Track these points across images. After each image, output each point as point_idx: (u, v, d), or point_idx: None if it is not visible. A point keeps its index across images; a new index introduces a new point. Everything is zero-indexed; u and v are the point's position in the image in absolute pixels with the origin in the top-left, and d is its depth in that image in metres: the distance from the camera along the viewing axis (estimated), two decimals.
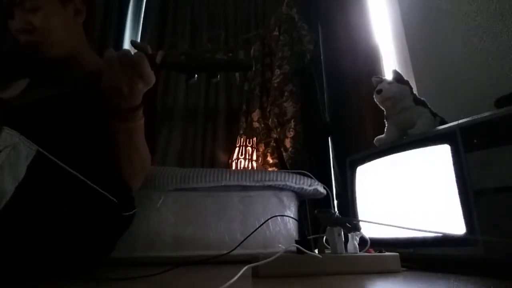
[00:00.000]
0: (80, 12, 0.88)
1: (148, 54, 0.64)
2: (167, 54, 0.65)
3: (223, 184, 1.14)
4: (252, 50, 2.01)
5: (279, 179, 1.18)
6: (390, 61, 1.67)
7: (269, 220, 1.10)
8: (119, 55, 0.62)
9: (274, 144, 1.83)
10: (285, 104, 1.85)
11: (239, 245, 0.85)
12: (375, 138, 1.00)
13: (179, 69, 0.65)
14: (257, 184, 1.17)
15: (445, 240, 0.68)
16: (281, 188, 1.20)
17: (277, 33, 2.01)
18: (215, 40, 0.62)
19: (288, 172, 1.22)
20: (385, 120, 1.00)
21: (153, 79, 0.65)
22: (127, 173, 0.78)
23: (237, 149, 1.84)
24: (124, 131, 0.72)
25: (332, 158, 1.75)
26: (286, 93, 1.87)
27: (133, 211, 0.83)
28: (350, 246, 0.73)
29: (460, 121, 0.70)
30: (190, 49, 0.65)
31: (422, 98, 0.95)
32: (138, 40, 2.05)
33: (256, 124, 1.90)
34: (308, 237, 0.70)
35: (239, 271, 0.49)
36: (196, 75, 0.65)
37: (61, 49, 0.82)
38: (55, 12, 0.81)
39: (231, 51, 0.64)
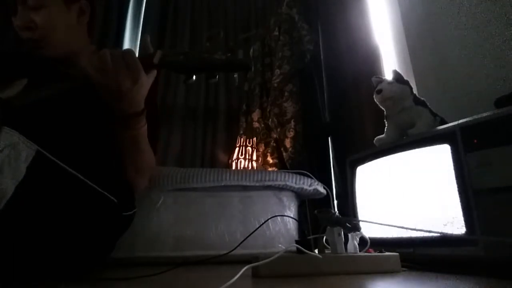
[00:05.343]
0: (84, 12, 0.88)
1: (146, 53, 0.64)
2: (165, 54, 0.65)
3: (223, 184, 1.14)
4: (251, 50, 2.02)
5: (279, 179, 1.18)
6: (390, 61, 1.67)
7: (269, 220, 1.10)
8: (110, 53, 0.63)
9: (274, 144, 1.83)
10: (285, 104, 1.85)
11: (239, 245, 0.85)
12: (375, 138, 1.00)
13: (177, 69, 0.65)
14: (257, 184, 1.17)
15: (445, 240, 0.68)
16: (281, 188, 1.20)
17: (277, 33, 2.01)
18: (214, 39, 0.61)
19: (288, 172, 1.22)
20: (385, 120, 1.00)
21: (142, 75, 0.65)
22: (133, 174, 0.80)
23: (237, 149, 1.84)
24: (129, 139, 0.74)
25: (332, 158, 1.75)
26: (286, 93, 1.87)
27: (133, 211, 0.83)
28: (350, 246, 0.73)
29: (460, 121, 0.70)
30: (188, 49, 0.65)
31: (422, 98, 0.95)
32: (138, 41, 2.06)
33: (256, 124, 1.90)
34: (308, 237, 0.70)
35: (239, 271, 0.49)
36: (194, 76, 0.64)
37: (61, 49, 0.83)
38: (59, 12, 0.82)
39: (230, 50, 0.63)
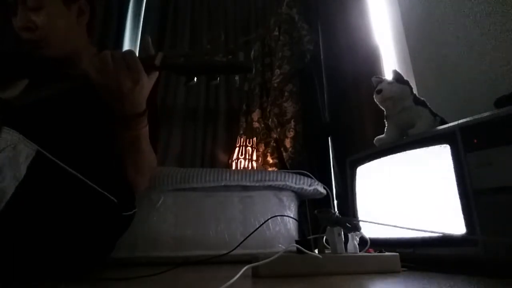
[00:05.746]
0: (84, 13, 0.88)
1: (147, 55, 0.64)
2: (166, 56, 0.65)
3: (223, 184, 1.14)
4: (252, 52, 2.02)
5: (279, 179, 1.18)
6: (390, 61, 1.67)
7: (269, 220, 1.10)
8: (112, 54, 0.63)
9: (274, 144, 1.83)
10: (285, 104, 1.85)
11: (239, 245, 0.85)
12: (375, 138, 1.00)
13: (178, 71, 0.65)
14: (257, 184, 1.17)
15: (445, 240, 0.68)
16: (281, 188, 1.20)
17: (277, 33, 2.01)
18: (215, 41, 0.61)
19: (288, 172, 1.22)
20: (385, 120, 1.00)
21: (143, 76, 0.65)
22: (134, 174, 0.80)
23: (237, 149, 1.84)
24: (130, 139, 0.74)
25: (332, 158, 1.75)
26: (286, 93, 1.87)
27: (133, 211, 0.83)
28: (350, 246, 0.73)
29: (460, 121, 0.70)
30: (189, 51, 0.65)
31: (422, 98, 0.95)
32: (138, 41, 2.06)
33: (256, 124, 1.90)
34: (308, 237, 0.70)
35: (239, 271, 0.49)
36: (195, 78, 0.64)
37: (61, 50, 0.83)
38: (58, 12, 0.82)
39: (231, 53, 0.63)
